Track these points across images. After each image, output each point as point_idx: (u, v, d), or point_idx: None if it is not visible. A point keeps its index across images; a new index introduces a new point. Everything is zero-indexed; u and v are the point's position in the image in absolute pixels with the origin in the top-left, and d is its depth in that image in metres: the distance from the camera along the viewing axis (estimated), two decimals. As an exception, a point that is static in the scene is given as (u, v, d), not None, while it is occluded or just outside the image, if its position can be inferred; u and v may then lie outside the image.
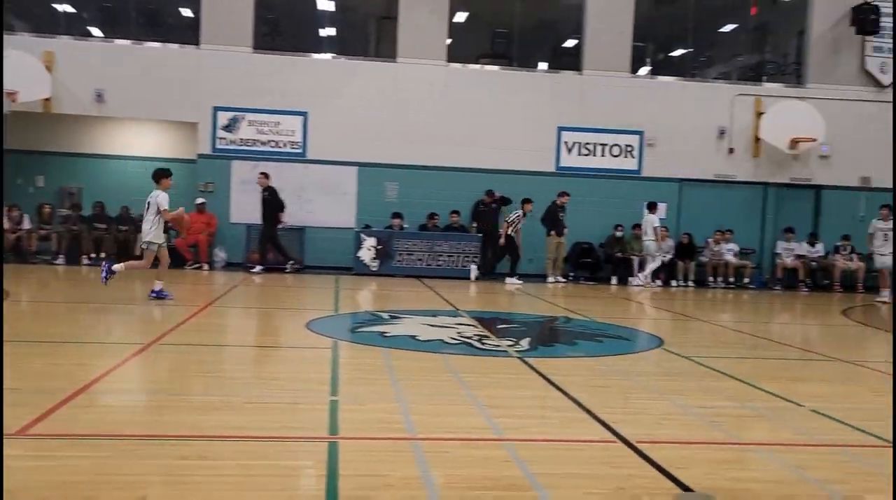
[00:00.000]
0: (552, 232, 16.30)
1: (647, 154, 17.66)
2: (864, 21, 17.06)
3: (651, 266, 16.34)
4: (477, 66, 18.04)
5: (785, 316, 13.20)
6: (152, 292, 10.24)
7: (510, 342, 7.94)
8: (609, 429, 4.62)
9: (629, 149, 17.69)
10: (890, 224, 14.75)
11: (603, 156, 17.67)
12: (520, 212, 16.29)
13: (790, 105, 17.37)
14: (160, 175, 10.45)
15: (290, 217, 16.22)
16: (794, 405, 5.60)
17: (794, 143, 17.15)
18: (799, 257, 17.44)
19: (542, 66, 18.98)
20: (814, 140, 17.13)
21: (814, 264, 17.53)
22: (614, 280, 16.79)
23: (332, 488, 3.45)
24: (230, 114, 16.77)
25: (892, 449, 4.07)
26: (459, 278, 15.93)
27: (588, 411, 5.05)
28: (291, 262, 15.94)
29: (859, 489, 3.74)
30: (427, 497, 3.40)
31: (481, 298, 13.64)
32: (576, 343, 8.72)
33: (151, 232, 10.28)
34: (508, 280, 15.89)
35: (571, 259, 17.15)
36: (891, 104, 17.65)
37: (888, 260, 14.56)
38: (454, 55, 17.50)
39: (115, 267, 10.33)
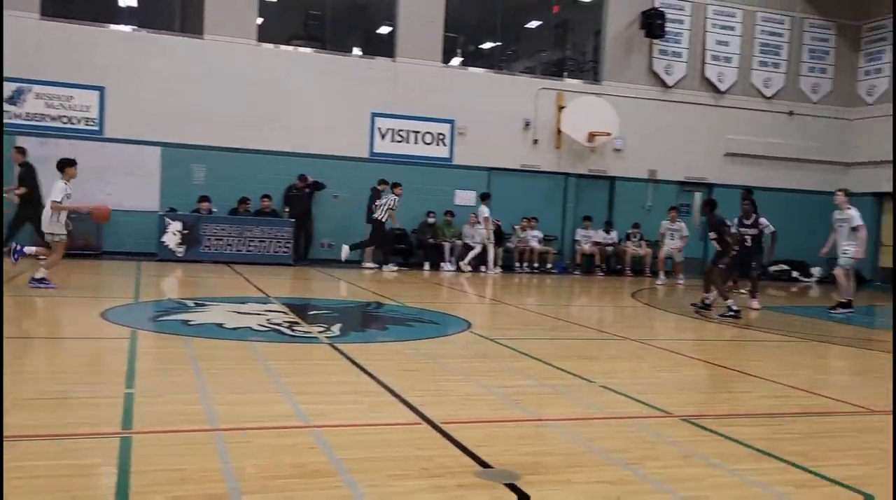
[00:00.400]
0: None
1: (458, 142, 18.12)
2: (652, 25, 18.48)
3: (472, 253, 17.07)
4: (289, 48, 17.65)
5: (583, 299, 14.08)
6: (34, 279, 10.06)
7: (321, 328, 7.88)
8: (416, 412, 4.71)
9: (441, 137, 18.06)
10: (676, 225, 16.52)
11: (416, 143, 17.92)
12: (394, 197, 16.22)
13: (588, 101, 18.51)
14: (64, 164, 10.24)
15: (87, 198, 15.02)
16: (587, 382, 5.98)
17: (592, 136, 18.29)
18: (596, 243, 18.64)
19: (357, 51, 18.91)
20: (609, 134, 18.36)
21: (609, 249, 18.81)
22: (427, 266, 17.13)
23: (122, 486, 3.26)
24: (14, 85, 15.30)
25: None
26: (271, 263, 15.58)
27: (396, 395, 5.12)
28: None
29: (639, 457, 4.06)
30: (227, 489, 3.30)
31: (293, 284, 13.43)
32: (387, 328, 8.81)
33: (52, 223, 10.13)
34: (385, 267, 16.16)
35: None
36: (675, 103, 19.30)
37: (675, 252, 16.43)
38: (265, 35, 17.00)
39: (28, 250, 10.35)
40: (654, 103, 19.17)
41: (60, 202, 10.02)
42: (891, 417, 5.35)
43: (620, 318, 11.39)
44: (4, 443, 3.59)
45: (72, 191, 10.28)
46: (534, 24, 19.98)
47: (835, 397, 5.87)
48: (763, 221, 11.89)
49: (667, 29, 18.81)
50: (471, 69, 18.75)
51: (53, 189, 10.14)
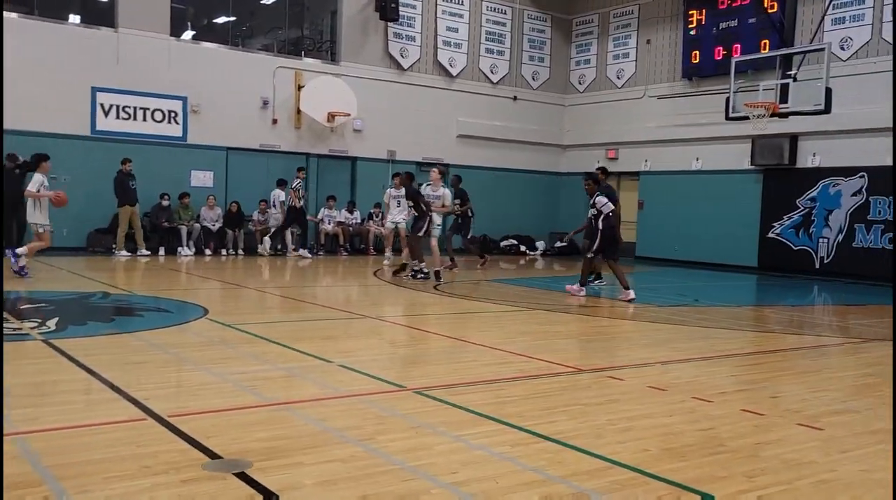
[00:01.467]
0: (125, 203, 15.40)
1: (192, 121, 17.27)
2: (386, 8, 18.85)
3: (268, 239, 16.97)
4: (-11, 11, 15.63)
5: (327, 279, 14.13)
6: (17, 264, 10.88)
7: (34, 324, 7.16)
8: (140, 407, 4.46)
9: (173, 115, 17.10)
10: (402, 191, 15.97)
11: (145, 121, 16.81)
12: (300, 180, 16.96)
13: (326, 81, 18.49)
14: (38, 159, 11.48)
15: None
16: (325, 362, 6.03)
17: (332, 116, 18.33)
18: (339, 223, 18.77)
19: (74, 19, 17.23)
20: (348, 115, 18.51)
21: (352, 229, 19.03)
22: (162, 251, 16.20)
23: None
24: None
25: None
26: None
27: (119, 391, 4.80)
28: None
29: (371, 432, 4.18)
30: None
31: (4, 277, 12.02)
32: (113, 320, 8.23)
33: (34, 214, 11.22)
34: (302, 251, 16.86)
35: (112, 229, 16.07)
36: (411, 86, 19.89)
37: (399, 223, 15.63)
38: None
39: (19, 251, 11.05)
40: (391, 85, 19.61)
41: (36, 191, 11.09)
42: (599, 373, 6.00)
43: (362, 296, 11.60)
44: None
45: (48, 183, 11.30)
46: (270, 0, 19.52)
47: (550, 360, 6.44)
48: (600, 199, 11.28)
49: (401, 12, 19.28)
50: (203, 44, 17.90)
51: (31, 181, 11.21)
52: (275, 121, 18.20)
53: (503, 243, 21.25)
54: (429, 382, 5.50)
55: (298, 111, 18.36)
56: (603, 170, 14.23)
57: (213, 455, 3.68)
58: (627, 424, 4.57)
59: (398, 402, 4.91)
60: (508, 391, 5.31)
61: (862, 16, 16.07)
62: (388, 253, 16.20)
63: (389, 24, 19.36)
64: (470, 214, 15.89)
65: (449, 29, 20.42)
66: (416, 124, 20.00)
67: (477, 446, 4.02)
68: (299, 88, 18.28)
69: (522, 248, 21.40)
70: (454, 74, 20.63)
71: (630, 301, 10.76)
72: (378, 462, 3.71)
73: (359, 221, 19.20)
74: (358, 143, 19.40)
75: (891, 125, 15.43)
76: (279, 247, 17.43)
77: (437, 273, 12.63)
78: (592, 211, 11.38)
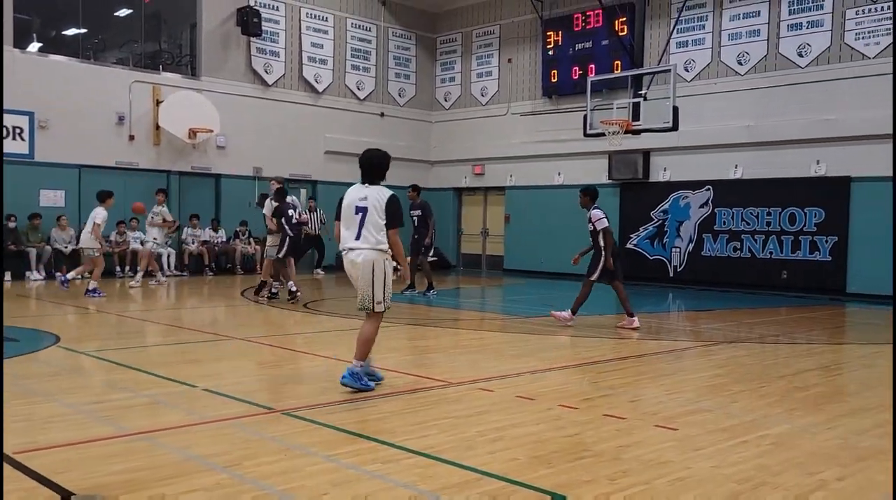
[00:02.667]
0: None
1: (40, 137, 16.25)
2: (248, 23, 18.48)
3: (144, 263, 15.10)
4: None
5: (192, 301, 13.61)
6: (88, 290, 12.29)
7: None
8: (-18, 446, 4.12)
9: (18, 131, 16.04)
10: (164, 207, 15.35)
11: (-14, 137, 15.66)
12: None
13: (187, 96, 17.89)
14: (104, 196, 13.07)
15: None
16: (190, 387, 5.81)
17: (193, 133, 17.74)
18: (204, 242, 18.16)
19: None
20: (211, 131, 17.97)
21: (217, 248, 18.46)
22: (8, 276, 15.12)
23: None
24: None
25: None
26: None
27: (-43, 430, 4.42)
28: None
29: (238, 458, 4.06)
30: None
31: None
32: (-49, 353, 7.58)
33: (87, 240, 12.86)
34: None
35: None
36: (276, 102, 19.58)
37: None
38: None
39: (69, 275, 12.90)
40: (255, 101, 19.22)
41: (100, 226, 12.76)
42: (469, 385, 6.08)
43: (230, 317, 11.25)
44: None
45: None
46: (124, 12, 18.70)
47: (421, 375, 6.48)
48: (595, 213, 10.31)
49: (264, 28, 18.96)
50: (52, 57, 16.91)
51: (96, 216, 12.76)
52: (132, 137, 17.42)
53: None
54: (299, 402, 5.41)
55: (157, 127, 17.66)
56: (414, 187, 14.58)
57: (65, 493, 3.46)
58: (497, 434, 4.66)
59: (267, 425, 4.80)
60: (380, 408, 5.30)
61: (703, 40, 17.23)
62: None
63: (252, 39, 18.99)
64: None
65: (314, 45, 20.27)
66: (283, 140, 19.68)
67: (348, 465, 3.99)
68: (158, 103, 17.59)
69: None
70: (320, 90, 20.47)
71: (635, 329, 9.77)
72: (245, 489, 3.61)
73: (224, 239, 18.66)
74: (222, 159, 18.86)
75: (731, 142, 16.62)
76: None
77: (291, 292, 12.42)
78: (590, 227, 10.23)
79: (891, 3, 14.63)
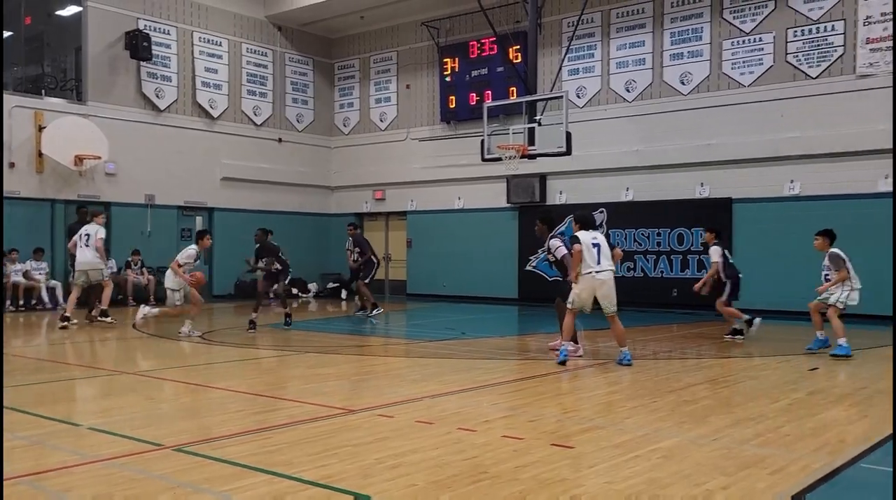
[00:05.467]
0: None
1: None
2: (137, 46, 17.95)
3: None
4: None
5: (81, 335, 12.94)
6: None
7: None
8: None
9: None
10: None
11: None
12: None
13: (72, 121, 17.18)
14: (200, 235, 12.01)
15: None
16: (73, 426, 5.52)
17: (79, 159, 17.03)
18: (91, 274, 17.36)
19: None
20: (98, 157, 17.29)
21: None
22: None
23: None
24: None
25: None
26: None
27: None
28: None
29: (120, 499, 3.88)
30: None
31: None
32: None
33: (169, 279, 11.67)
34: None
35: None
36: (169, 127, 19.07)
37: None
38: None
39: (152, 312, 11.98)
40: (147, 126, 18.65)
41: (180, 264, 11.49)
42: (369, 412, 6.03)
43: (121, 351, 10.78)
44: None
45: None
46: (3, 34, 17.86)
47: (321, 403, 6.38)
48: (553, 242, 9.99)
49: (154, 52, 18.47)
50: (-79, 80, 15.94)
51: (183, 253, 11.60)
52: (12, 164, 16.57)
53: (274, 287, 20.81)
54: (191, 437, 5.22)
55: (40, 154, 16.87)
56: (353, 225, 15.10)
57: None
58: (396, 461, 4.63)
59: (155, 462, 4.61)
60: (277, 439, 5.18)
61: (593, 68, 17.88)
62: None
63: (142, 63, 18.45)
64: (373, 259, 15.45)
65: (208, 70, 19.87)
66: (177, 167, 19.15)
67: (241, 500, 3.87)
68: (40, 128, 16.82)
69: (294, 291, 21.10)
70: (215, 116, 20.07)
71: (579, 357, 9.38)
72: (131, 531, 3.45)
73: (115, 270, 17.91)
74: (112, 187, 18.17)
75: (622, 165, 17.25)
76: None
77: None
78: (549, 256, 10.17)
79: (761, 36, 15.61)
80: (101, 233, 12.87)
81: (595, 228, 9.11)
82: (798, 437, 5.31)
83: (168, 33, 19.05)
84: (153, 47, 18.41)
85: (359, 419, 5.84)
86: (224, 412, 6.26)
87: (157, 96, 18.87)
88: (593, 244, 8.68)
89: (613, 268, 8.85)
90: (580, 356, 9.32)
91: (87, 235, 12.89)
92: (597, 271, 8.61)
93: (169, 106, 19.12)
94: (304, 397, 6.71)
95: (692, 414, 6.09)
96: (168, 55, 19.06)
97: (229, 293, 20.17)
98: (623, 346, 8.80)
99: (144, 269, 17.99)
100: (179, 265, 11.52)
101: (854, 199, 14.47)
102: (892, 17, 14.10)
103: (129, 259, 17.95)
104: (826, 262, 9.71)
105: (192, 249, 11.72)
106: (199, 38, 19.71)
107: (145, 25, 18.46)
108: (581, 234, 8.78)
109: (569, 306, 8.79)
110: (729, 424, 5.73)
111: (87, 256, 12.74)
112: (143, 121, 18.61)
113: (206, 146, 19.83)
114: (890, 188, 14.13)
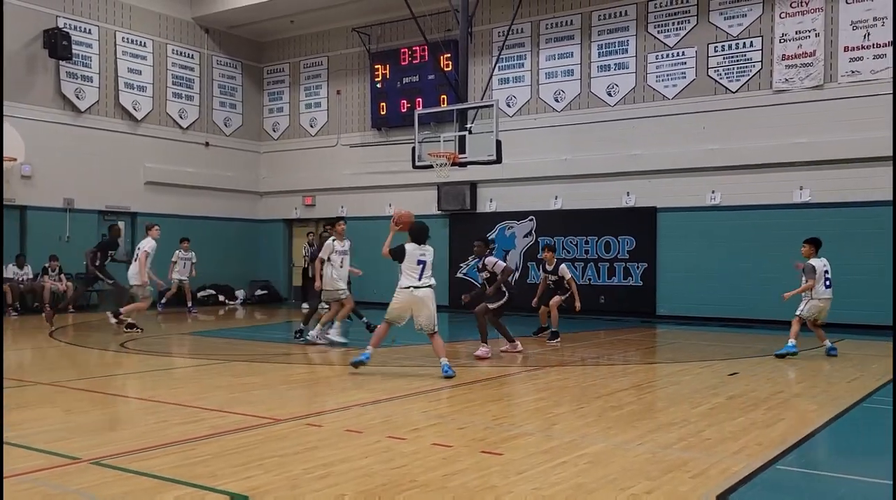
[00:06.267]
0: None
1: None
2: (57, 45, 17.34)
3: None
4: None
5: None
6: None
7: None
8: None
9: None
10: (345, 245, 12.56)
11: None
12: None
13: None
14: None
15: None
16: (-17, 441, 5.26)
17: (-6, 161, 16.32)
18: (7, 280, 16.67)
19: None
20: (14, 159, 16.61)
21: (22, 286, 17.01)
22: None
23: None
24: None
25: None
26: None
27: None
28: None
29: (37, 515, 3.72)
30: None
31: None
32: None
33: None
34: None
35: None
36: (90, 129, 18.46)
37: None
38: None
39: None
40: (66, 128, 18.02)
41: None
42: (297, 421, 5.93)
43: (37, 360, 10.35)
44: None
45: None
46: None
47: (247, 413, 6.25)
48: (490, 260, 10.72)
49: (74, 51, 17.87)
50: None
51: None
52: (-81, 166, 15.77)
53: (200, 294, 20.38)
54: (110, 450, 5.04)
55: (-50, 155, 16.10)
56: (325, 230, 13.89)
57: None
58: (324, 471, 4.57)
59: (72, 476, 4.43)
60: (200, 450, 5.05)
61: (523, 77, 18.12)
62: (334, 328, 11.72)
63: (62, 62, 17.82)
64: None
65: (131, 70, 19.33)
66: (98, 170, 18.55)
67: (163, 514, 3.76)
68: (-49, 128, 16.07)
69: (221, 298, 20.69)
70: (139, 118, 19.53)
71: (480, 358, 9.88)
72: (44, 549, 3.31)
73: (31, 276, 17.22)
74: (28, 190, 17.47)
75: (551, 174, 17.50)
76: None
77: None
78: (484, 274, 10.67)
79: (684, 50, 16.09)
80: (146, 246, 12.71)
81: (425, 242, 8.72)
82: (718, 440, 5.46)
83: (89, 32, 18.47)
84: (73, 46, 17.82)
85: (286, 429, 5.75)
86: (145, 424, 6.07)
87: (78, 97, 18.26)
88: (419, 261, 8.52)
89: (433, 284, 8.56)
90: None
91: (137, 247, 12.91)
92: (415, 287, 8.40)
93: (90, 107, 18.53)
94: (230, 406, 6.57)
95: (618, 420, 6.20)
96: (89, 55, 18.47)
97: (153, 300, 19.61)
98: (441, 356, 8.40)
99: (62, 275, 17.33)
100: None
101: (771, 209, 15.03)
102: (882, 21, 14.17)
103: (47, 265, 17.26)
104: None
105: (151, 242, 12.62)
106: (123, 37, 19.17)
107: (65, 24, 17.86)
108: (409, 246, 8.61)
109: (386, 316, 8.64)
110: (653, 429, 5.86)
111: (132, 269, 12.71)
112: (62, 122, 17.98)
113: (130, 149, 19.28)
114: (807, 199, 14.75)
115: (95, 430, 5.90)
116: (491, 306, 10.43)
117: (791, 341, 10.06)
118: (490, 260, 10.63)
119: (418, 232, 8.70)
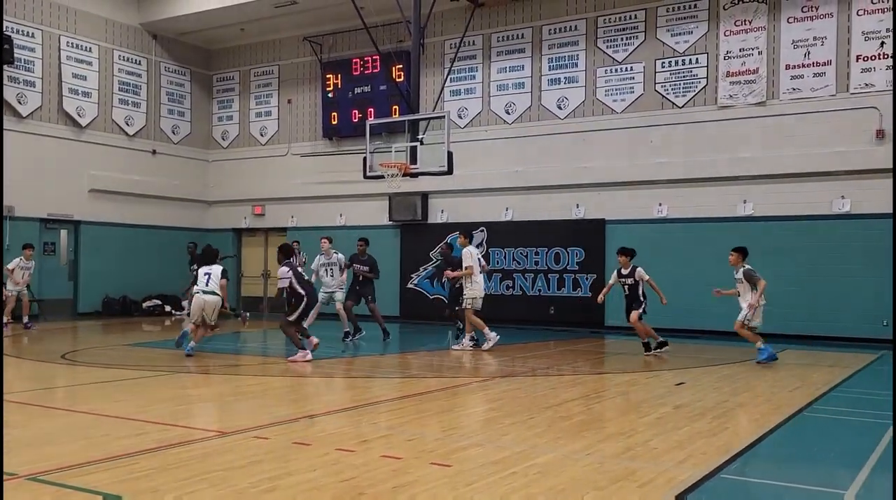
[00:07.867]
0: None
1: None
2: (-1, 49, 16.93)
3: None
4: None
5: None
6: None
7: None
8: None
9: None
10: (332, 258, 14.26)
11: None
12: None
13: (-78, 125, 15.91)
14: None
15: None
16: (-88, 457, 5.04)
17: (-71, 167, 15.76)
18: (-60, 290, 16.05)
19: None
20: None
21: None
22: None
23: None
24: None
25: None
26: None
27: None
28: None
29: (-31, 534, 3.58)
30: None
31: None
32: None
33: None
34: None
35: None
36: (32, 135, 17.98)
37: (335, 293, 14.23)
38: None
39: None
40: (7, 134, 17.47)
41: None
42: (243, 434, 5.83)
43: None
44: None
45: None
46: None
47: (192, 426, 6.13)
48: (281, 270, 10.99)
49: (17, 55, 17.42)
50: None
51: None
52: None
53: (146, 304, 19.97)
54: (47, 465, 4.88)
55: None
56: (284, 247, 12.99)
57: None
58: (271, 484, 4.49)
59: (8, 493, 4.27)
60: (143, 465, 4.92)
61: (474, 89, 18.23)
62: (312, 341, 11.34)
63: (4, 66, 17.34)
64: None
65: (76, 76, 18.91)
66: (39, 177, 18.07)
67: (103, 531, 3.65)
68: None
69: (168, 308, 20.28)
70: (84, 125, 19.10)
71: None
72: (-24, 570, 3.18)
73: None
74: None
75: (502, 186, 17.61)
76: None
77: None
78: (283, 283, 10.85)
79: (633, 65, 16.38)
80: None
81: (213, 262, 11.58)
82: (665, 450, 5.53)
83: (32, 36, 18.03)
84: (16, 50, 17.37)
85: (232, 442, 5.65)
86: (86, 437, 5.90)
87: (19, 102, 17.79)
88: (204, 273, 11.20)
89: (219, 295, 11.12)
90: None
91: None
92: (203, 291, 11.03)
93: (32, 113, 18.06)
94: (174, 419, 6.43)
95: (567, 430, 6.24)
96: (32, 59, 18.02)
97: (96, 311, 19.19)
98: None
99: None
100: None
101: (716, 222, 15.36)
102: (822, 41, 14.60)
103: (-16, 275, 16.69)
104: (738, 275, 10.71)
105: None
106: (67, 42, 18.74)
107: (7, 27, 17.39)
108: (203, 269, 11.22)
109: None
110: (601, 439, 5.91)
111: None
112: (3, 128, 17.44)
113: (73, 156, 18.84)
114: (750, 212, 15.11)
115: (33, 444, 5.71)
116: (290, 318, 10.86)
117: (761, 345, 10.54)
118: (280, 270, 11.05)
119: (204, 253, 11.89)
